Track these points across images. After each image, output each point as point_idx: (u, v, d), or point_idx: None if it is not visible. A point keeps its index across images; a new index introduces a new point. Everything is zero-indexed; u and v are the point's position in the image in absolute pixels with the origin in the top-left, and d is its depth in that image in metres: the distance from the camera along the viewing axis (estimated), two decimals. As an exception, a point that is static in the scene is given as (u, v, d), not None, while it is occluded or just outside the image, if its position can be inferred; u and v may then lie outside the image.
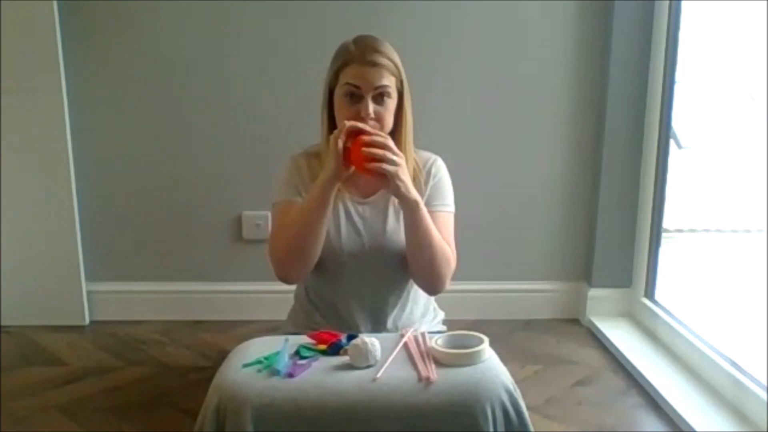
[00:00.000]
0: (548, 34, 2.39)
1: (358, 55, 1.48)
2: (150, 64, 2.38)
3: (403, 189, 1.40)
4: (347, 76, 1.48)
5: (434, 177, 1.59)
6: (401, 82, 1.53)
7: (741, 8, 2.47)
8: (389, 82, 1.49)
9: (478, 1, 2.34)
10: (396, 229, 1.54)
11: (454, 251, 1.54)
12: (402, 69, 1.53)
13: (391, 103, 1.51)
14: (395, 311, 1.60)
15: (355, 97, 1.47)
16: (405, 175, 1.40)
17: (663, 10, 2.28)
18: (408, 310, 1.62)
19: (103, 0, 2.32)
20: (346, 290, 1.58)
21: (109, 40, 2.37)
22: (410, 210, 1.43)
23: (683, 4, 2.26)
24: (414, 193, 1.43)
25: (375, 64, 1.47)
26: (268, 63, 2.38)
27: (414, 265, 1.51)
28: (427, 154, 1.63)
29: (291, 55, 2.36)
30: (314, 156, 1.59)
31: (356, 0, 2.31)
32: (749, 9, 2.27)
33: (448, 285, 1.54)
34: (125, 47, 2.37)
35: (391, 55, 1.51)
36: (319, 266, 1.53)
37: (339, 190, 1.54)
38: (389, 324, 1.59)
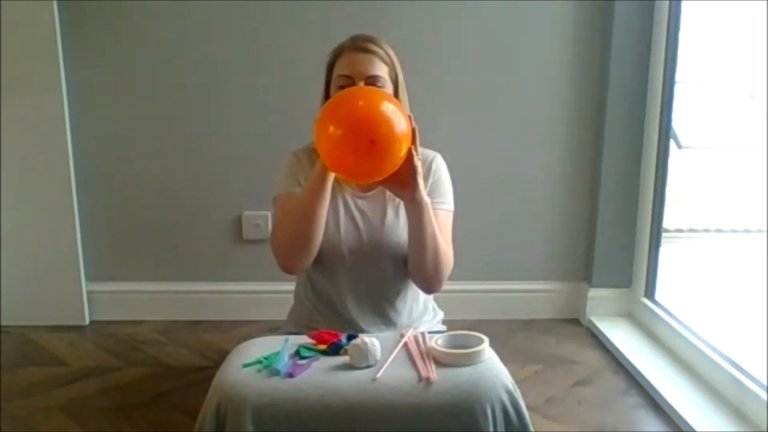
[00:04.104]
0: (548, 33, 2.39)
1: (349, 45, 1.51)
2: (150, 64, 2.38)
3: (418, 189, 1.40)
4: (339, 68, 1.50)
5: (434, 174, 1.59)
6: (396, 74, 1.53)
7: (741, 8, 2.47)
8: (381, 71, 1.49)
9: (479, 1, 2.35)
10: (394, 223, 1.55)
11: (452, 250, 1.54)
12: (396, 62, 1.54)
13: None
14: (394, 306, 1.60)
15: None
16: (421, 177, 1.41)
17: (663, 10, 2.28)
18: (408, 305, 1.62)
19: (103, 0, 2.33)
20: (344, 285, 1.57)
21: (109, 40, 2.37)
22: (419, 212, 1.42)
23: (683, 4, 2.26)
24: (426, 195, 1.43)
25: (366, 51, 1.49)
26: (268, 63, 2.38)
27: (416, 265, 1.50)
28: (426, 151, 1.62)
29: (291, 55, 2.36)
30: (315, 151, 1.58)
31: (356, 0, 2.31)
32: (749, 9, 2.27)
33: (445, 284, 1.55)
34: (125, 47, 2.37)
35: (384, 46, 1.53)
36: (318, 261, 1.53)
37: (339, 184, 1.55)
38: (387, 320, 1.59)
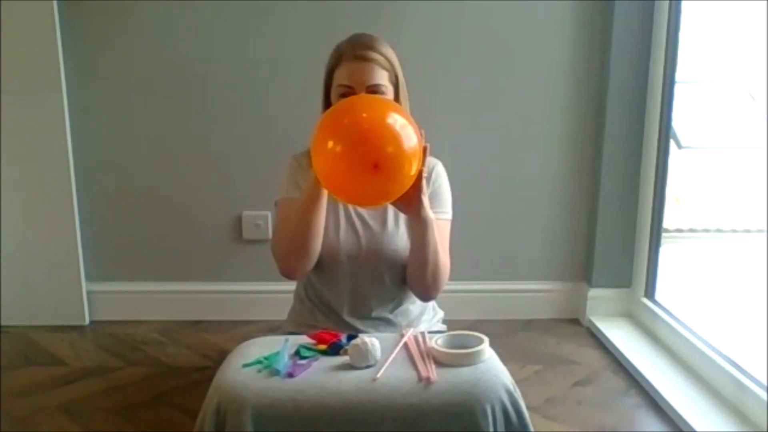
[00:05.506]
0: (548, 33, 2.39)
1: (349, 52, 1.48)
2: (150, 64, 2.38)
3: (424, 207, 1.39)
4: (340, 77, 1.48)
5: (434, 183, 1.59)
6: (396, 77, 1.52)
7: (741, 8, 2.48)
8: (382, 79, 1.48)
9: (479, 1, 2.35)
10: (394, 232, 1.55)
11: (449, 259, 1.54)
12: (396, 63, 1.52)
13: None
14: (390, 311, 1.60)
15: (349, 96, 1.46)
16: (426, 195, 1.40)
17: (663, 10, 2.28)
18: (404, 308, 1.62)
19: (104, 0, 2.33)
20: (342, 289, 1.58)
21: (109, 40, 2.37)
22: (423, 228, 1.42)
23: (683, 4, 2.26)
24: (430, 212, 1.42)
25: (366, 59, 1.46)
26: (268, 63, 2.38)
27: (415, 276, 1.51)
28: (426, 158, 1.62)
29: (292, 56, 2.36)
30: None
31: (356, 0, 2.31)
32: (749, 9, 2.27)
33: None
34: (125, 47, 2.37)
35: (384, 49, 1.50)
36: (318, 265, 1.53)
37: None
38: (384, 323, 1.59)
